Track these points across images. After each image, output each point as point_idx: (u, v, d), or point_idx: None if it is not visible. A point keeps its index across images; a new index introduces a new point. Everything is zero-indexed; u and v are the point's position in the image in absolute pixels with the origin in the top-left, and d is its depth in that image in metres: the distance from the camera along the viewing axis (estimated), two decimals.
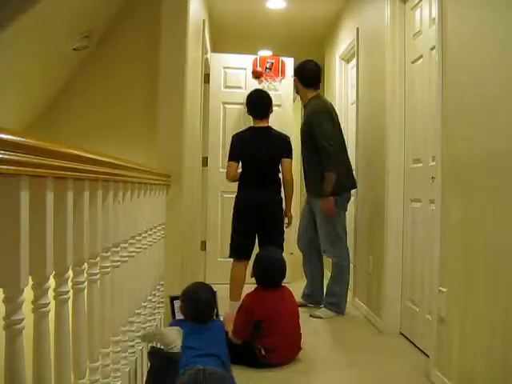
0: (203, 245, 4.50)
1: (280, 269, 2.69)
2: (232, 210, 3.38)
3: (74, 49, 3.36)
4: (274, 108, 4.73)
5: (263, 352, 2.41)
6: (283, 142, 3.38)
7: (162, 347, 1.95)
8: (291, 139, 3.50)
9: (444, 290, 2.14)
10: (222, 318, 2.59)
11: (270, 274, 2.65)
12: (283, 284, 2.72)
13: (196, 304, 2.10)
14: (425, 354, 2.52)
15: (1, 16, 2.46)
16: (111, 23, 3.63)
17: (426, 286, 2.56)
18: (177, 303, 2.41)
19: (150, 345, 2.08)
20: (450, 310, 2.10)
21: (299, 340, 2.58)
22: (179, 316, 2.33)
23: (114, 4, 3.54)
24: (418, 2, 2.81)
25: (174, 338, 1.93)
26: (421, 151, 2.70)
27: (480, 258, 1.85)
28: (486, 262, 1.81)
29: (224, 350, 2.03)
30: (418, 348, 2.68)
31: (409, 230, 2.91)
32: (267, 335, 2.45)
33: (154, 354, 1.96)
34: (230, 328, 2.49)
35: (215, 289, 2.40)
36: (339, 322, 3.31)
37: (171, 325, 2.14)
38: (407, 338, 2.86)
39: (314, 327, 3.15)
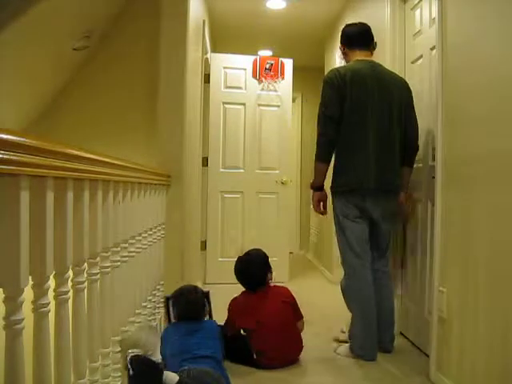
0: (203, 245, 4.50)
1: (254, 270, 2.57)
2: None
3: (74, 49, 3.36)
4: (274, 108, 4.78)
5: (255, 356, 2.38)
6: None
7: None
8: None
9: (444, 290, 2.14)
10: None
11: (246, 277, 2.60)
12: (276, 284, 2.68)
13: (185, 303, 2.11)
14: (425, 354, 2.52)
15: (2, 16, 2.47)
16: (111, 23, 3.63)
17: (426, 286, 2.55)
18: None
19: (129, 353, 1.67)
20: (449, 310, 2.10)
21: (295, 341, 2.50)
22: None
23: (114, 4, 3.54)
24: (418, 2, 2.81)
25: (156, 344, 1.74)
26: (421, 151, 2.70)
27: (480, 258, 1.85)
28: (486, 262, 1.81)
29: (218, 348, 2.02)
30: (418, 348, 2.68)
31: (409, 229, 2.91)
32: (254, 339, 2.40)
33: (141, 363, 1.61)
34: None
35: (210, 289, 2.41)
36: None
37: (165, 331, 2.13)
38: (407, 338, 2.86)
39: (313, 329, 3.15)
